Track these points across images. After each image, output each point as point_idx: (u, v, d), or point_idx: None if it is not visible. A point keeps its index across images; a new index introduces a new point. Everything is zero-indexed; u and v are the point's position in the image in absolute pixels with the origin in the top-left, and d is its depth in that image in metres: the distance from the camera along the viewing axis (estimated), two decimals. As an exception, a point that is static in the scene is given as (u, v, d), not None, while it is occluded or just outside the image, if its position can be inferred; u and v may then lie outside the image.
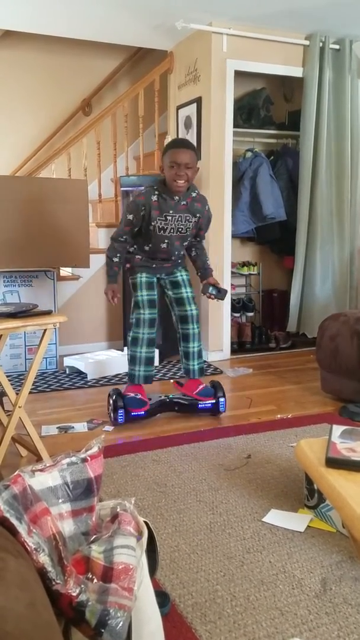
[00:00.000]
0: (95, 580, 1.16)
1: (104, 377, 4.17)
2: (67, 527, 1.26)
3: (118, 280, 3.21)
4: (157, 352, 4.30)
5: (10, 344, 4.28)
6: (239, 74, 4.49)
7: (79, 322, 4.81)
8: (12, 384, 3.41)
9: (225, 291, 3.24)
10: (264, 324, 5.30)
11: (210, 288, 3.22)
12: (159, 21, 4.26)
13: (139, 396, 3.17)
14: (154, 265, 3.21)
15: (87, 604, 1.11)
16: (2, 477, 2.48)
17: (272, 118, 5.06)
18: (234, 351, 4.81)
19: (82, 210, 4.23)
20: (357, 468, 1.66)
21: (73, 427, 3.18)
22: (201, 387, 3.28)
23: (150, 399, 3.23)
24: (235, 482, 2.47)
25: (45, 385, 3.99)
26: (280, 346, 5.00)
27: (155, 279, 3.25)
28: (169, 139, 4.91)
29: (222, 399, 3.28)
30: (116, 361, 4.28)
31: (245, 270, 5.23)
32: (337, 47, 4.58)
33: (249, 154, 4.87)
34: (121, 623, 1.11)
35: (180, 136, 4.81)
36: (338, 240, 4.78)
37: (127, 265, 3.23)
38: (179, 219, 3.08)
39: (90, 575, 1.17)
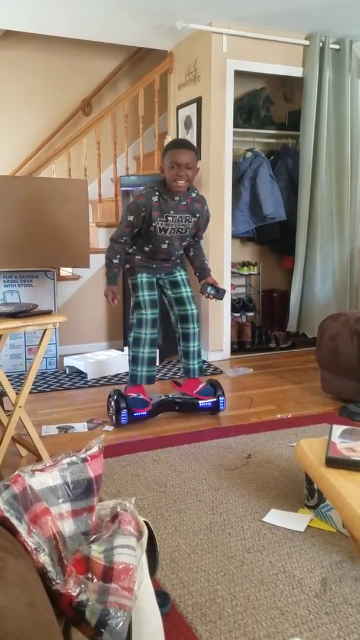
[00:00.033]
0: (95, 580, 1.16)
1: (104, 377, 4.17)
2: (67, 527, 1.26)
3: (118, 282, 3.20)
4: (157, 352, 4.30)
5: (10, 344, 4.28)
6: (239, 74, 4.49)
7: (79, 322, 4.81)
8: (12, 384, 3.41)
9: (224, 291, 3.24)
10: (264, 324, 5.30)
11: (209, 288, 3.22)
12: (159, 21, 4.26)
13: (141, 396, 3.17)
14: (154, 266, 3.21)
15: (87, 603, 1.11)
16: (2, 477, 2.48)
17: (272, 118, 5.06)
18: (234, 351, 4.81)
19: (82, 210, 4.23)
20: (357, 468, 1.66)
21: (73, 427, 3.18)
22: (201, 386, 3.29)
23: (151, 399, 3.23)
24: (236, 482, 2.47)
25: (45, 385, 3.99)
26: (280, 346, 5.00)
27: (155, 279, 3.25)
28: (169, 139, 4.91)
29: (222, 398, 3.29)
30: (116, 361, 4.28)
31: (245, 270, 5.23)
32: (337, 47, 4.58)
33: (249, 154, 4.87)
34: (121, 623, 1.11)
35: (180, 136, 4.81)
36: (338, 240, 4.78)
37: (127, 266, 3.23)
38: (180, 219, 3.08)
39: (90, 575, 1.17)
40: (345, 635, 1.55)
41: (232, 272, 4.93)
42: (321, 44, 4.53)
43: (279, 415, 3.35)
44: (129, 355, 3.24)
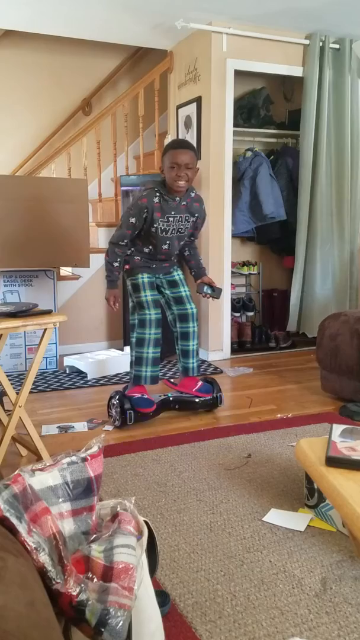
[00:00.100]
0: (95, 580, 1.16)
1: (104, 377, 4.17)
2: (67, 526, 1.26)
3: (118, 285, 3.19)
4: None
5: (10, 344, 4.28)
6: (238, 74, 4.49)
7: (79, 321, 4.81)
8: (12, 384, 3.41)
9: (220, 290, 3.25)
10: (264, 324, 5.29)
11: (205, 287, 3.23)
12: (159, 21, 4.26)
13: (146, 396, 3.17)
14: (153, 266, 3.21)
15: (87, 603, 1.11)
16: (2, 477, 2.49)
17: (272, 117, 5.06)
18: (234, 351, 4.81)
19: (82, 210, 4.23)
20: (357, 467, 1.66)
21: (73, 427, 3.18)
22: (200, 384, 3.30)
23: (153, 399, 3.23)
24: (236, 481, 2.47)
25: (46, 385, 3.99)
26: (280, 346, 5.00)
27: (155, 279, 3.25)
28: (169, 138, 4.92)
29: (220, 394, 3.33)
30: (116, 361, 4.28)
31: (245, 270, 5.23)
32: (337, 46, 4.58)
33: (249, 154, 4.87)
34: (121, 622, 1.11)
35: (180, 136, 4.81)
36: (338, 239, 4.78)
37: (126, 267, 3.21)
38: (180, 219, 3.08)
39: (90, 575, 1.17)
40: (345, 635, 1.55)
41: (232, 272, 4.92)
42: (321, 44, 4.53)
43: (279, 415, 3.35)
44: (131, 356, 3.22)
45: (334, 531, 2.06)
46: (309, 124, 4.57)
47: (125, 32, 4.55)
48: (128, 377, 3.50)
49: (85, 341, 4.88)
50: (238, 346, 4.92)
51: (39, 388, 3.90)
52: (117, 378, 4.14)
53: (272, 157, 5.04)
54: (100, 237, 4.97)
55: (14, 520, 1.11)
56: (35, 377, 4.01)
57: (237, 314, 5.21)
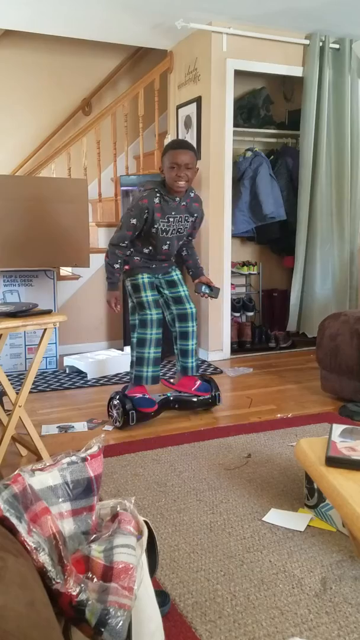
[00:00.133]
0: (95, 580, 1.16)
1: (104, 377, 4.17)
2: (67, 526, 1.26)
3: (119, 286, 3.19)
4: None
5: (10, 344, 4.28)
6: (238, 74, 4.49)
7: (79, 321, 4.81)
8: (12, 384, 3.41)
9: (218, 289, 3.26)
10: (264, 324, 5.30)
11: (204, 287, 3.24)
12: (159, 21, 4.26)
13: (147, 396, 3.17)
14: (153, 266, 3.21)
15: (87, 603, 1.11)
16: (2, 477, 2.49)
17: (272, 117, 5.06)
18: (234, 351, 4.81)
19: (82, 210, 4.23)
20: (357, 467, 1.66)
21: (73, 427, 3.18)
22: (198, 383, 3.31)
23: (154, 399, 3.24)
24: (235, 481, 2.47)
25: (45, 385, 3.99)
26: (280, 346, 5.00)
27: (154, 279, 3.25)
28: (168, 138, 4.92)
29: (218, 392, 3.36)
30: (116, 361, 4.28)
31: (245, 270, 5.23)
32: (337, 46, 4.58)
33: (248, 154, 4.87)
34: (121, 622, 1.11)
35: (180, 136, 4.81)
36: (338, 239, 4.78)
37: (126, 267, 3.20)
38: (180, 219, 3.08)
39: (90, 575, 1.17)
40: (345, 635, 1.55)
41: (232, 272, 4.93)
42: (321, 44, 4.53)
43: (279, 415, 3.35)
44: (132, 356, 3.22)
45: (334, 531, 2.06)
46: (309, 124, 4.57)
47: (125, 32, 4.55)
48: (128, 377, 3.51)
49: (85, 341, 4.88)
50: (238, 346, 4.92)
51: (38, 388, 3.90)
52: (117, 378, 4.14)
53: (272, 157, 5.04)
54: (100, 237, 4.97)
55: (14, 520, 1.11)
56: (35, 377, 4.01)
57: (237, 314, 5.21)
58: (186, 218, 3.10)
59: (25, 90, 5.76)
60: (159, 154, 4.96)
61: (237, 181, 4.77)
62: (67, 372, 4.31)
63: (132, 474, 2.54)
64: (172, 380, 3.44)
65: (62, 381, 4.08)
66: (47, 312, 2.53)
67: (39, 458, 2.59)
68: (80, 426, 3.19)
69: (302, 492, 2.31)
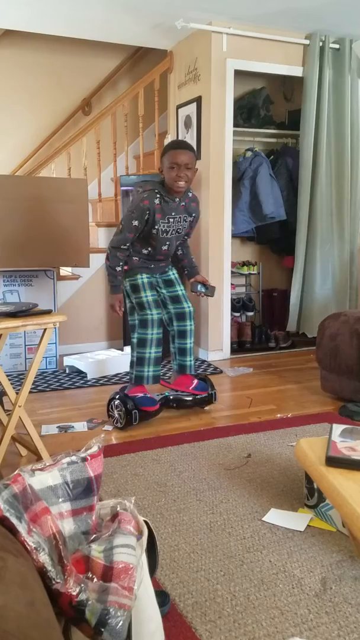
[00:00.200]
0: (95, 580, 1.16)
1: (104, 377, 4.17)
2: (67, 526, 1.26)
3: (121, 289, 3.18)
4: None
5: (10, 344, 4.28)
6: (238, 73, 4.49)
7: (78, 321, 4.81)
8: (12, 384, 3.41)
9: (214, 288, 3.27)
10: (264, 324, 5.30)
11: (199, 286, 3.25)
12: (159, 21, 4.26)
13: (148, 395, 3.18)
14: (152, 266, 3.21)
15: (87, 603, 1.11)
16: (2, 477, 2.49)
17: (272, 117, 5.06)
18: (234, 351, 4.81)
19: (82, 210, 4.23)
20: (357, 467, 1.66)
21: (73, 427, 3.18)
22: (196, 382, 3.32)
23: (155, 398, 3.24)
24: (235, 481, 2.47)
25: (45, 385, 3.99)
26: (280, 346, 5.00)
27: (153, 279, 3.25)
28: (168, 138, 4.92)
29: (214, 391, 3.38)
30: (116, 361, 4.28)
31: (245, 270, 5.23)
32: (337, 46, 4.58)
33: (248, 154, 4.87)
34: (121, 622, 1.11)
35: (180, 136, 4.81)
36: (338, 239, 4.78)
37: (125, 268, 3.19)
38: (179, 220, 3.09)
39: (90, 575, 1.17)
40: (345, 635, 1.55)
41: (232, 272, 4.93)
42: (321, 44, 4.52)
43: (278, 415, 3.35)
44: (132, 356, 3.22)
45: (334, 531, 2.06)
46: (309, 124, 4.57)
47: (125, 32, 4.55)
48: (128, 377, 3.51)
49: (85, 341, 4.87)
50: (238, 346, 4.92)
51: (38, 388, 3.90)
52: (117, 378, 4.14)
53: (272, 157, 5.04)
54: (100, 237, 4.97)
55: (14, 520, 1.11)
56: (35, 377, 4.01)
57: (237, 314, 5.21)
58: (185, 218, 3.11)
59: (25, 90, 5.76)
60: (158, 154, 4.95)
61: (237, 181, 4.77)
62: (67, 372, 4.31)
63: (132, 474, 2.54)
64: (169, 380, 3.44)
65: (62, 381, 4.08)
66: (47, 312, 2.53)
67: (39, 458, 2.59)
68: (80, 426, 3.19)
69: (302, 492, 2.31)
